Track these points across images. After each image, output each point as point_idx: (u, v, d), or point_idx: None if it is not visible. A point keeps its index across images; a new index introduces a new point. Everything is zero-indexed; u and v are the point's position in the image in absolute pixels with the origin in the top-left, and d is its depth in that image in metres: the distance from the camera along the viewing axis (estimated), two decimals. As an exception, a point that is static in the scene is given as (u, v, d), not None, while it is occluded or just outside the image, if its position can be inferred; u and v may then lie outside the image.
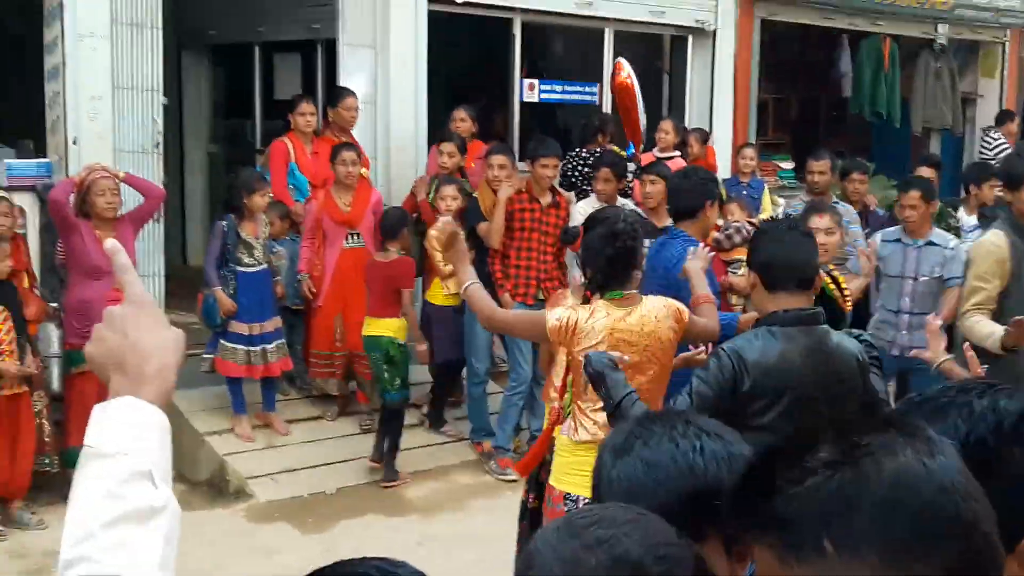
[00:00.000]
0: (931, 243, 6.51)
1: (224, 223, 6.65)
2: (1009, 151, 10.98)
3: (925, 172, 7.87)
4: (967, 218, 7.88)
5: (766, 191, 9.02)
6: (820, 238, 5.40)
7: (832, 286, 5.26)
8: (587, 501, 3.97)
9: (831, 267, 5.54)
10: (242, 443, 6.70)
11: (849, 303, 5.30)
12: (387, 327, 6.60)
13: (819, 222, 5.47)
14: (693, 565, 1.25)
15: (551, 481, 4.13)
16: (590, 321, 3.94)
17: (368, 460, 6.69)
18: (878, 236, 7.07)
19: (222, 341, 6.65)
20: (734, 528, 1.08)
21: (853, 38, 11.21)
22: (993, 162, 10.95)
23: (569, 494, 4.03)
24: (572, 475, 3.98)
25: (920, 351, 4.26)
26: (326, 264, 7.03)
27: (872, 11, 10.66)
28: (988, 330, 4.70)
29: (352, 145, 7.15)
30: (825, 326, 3.43)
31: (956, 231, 7.43)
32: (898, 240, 6.60)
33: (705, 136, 9.08)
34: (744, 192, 8.34)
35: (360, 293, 6.83)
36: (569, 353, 4.05)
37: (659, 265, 4.98)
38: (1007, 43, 11.88)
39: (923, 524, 0.98)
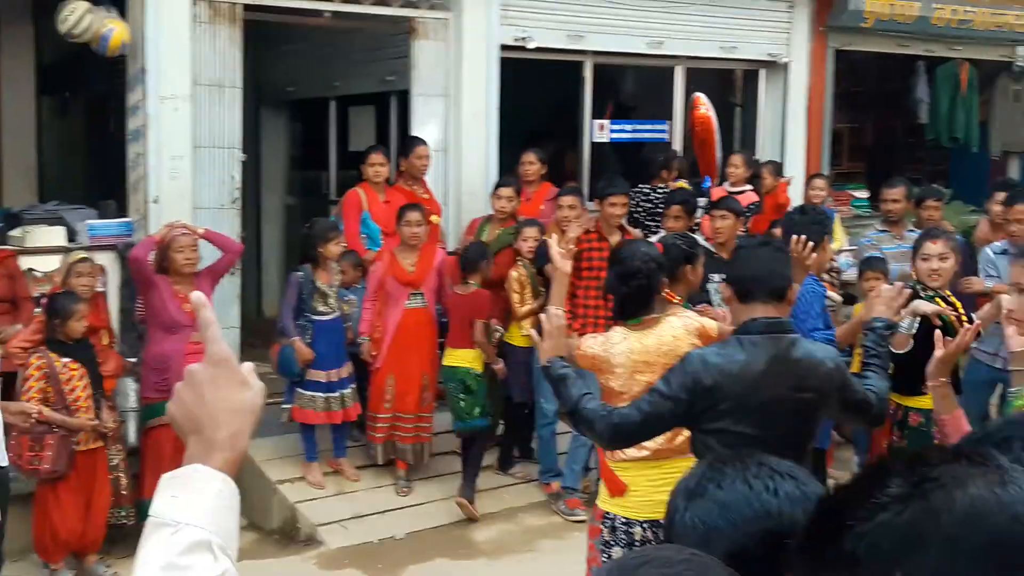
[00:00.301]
0: None
1: (300, 273, 6.82)
2: None
3: (1000, 197, 7.73)
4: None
5: (837, 220, 8.93)
6: (934, 264, 5.44)
7: (949, 312, 5.24)
8: (623, 520, 4.14)
9: (946, 293, 5.50)
10: (313, 490, 6.80)
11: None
12: (463, 357, 6.85)
13: (932, 248, 5.50)
14: None
15: (596, 501, 4.29)
16: (610, 348, 4.17)
17: (455, 498, 6.75)
18: (988, 249, 7.01)
19: (299, 390, 6.79)
20: (804, 570, 1.07)
21: (930, 64, 11.06)
22: None
23: (608, 513, 4.18)
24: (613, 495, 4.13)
25: None
26: (387, 324, 6.95)
27: (949, 36, 10.53)
28: None
29: (418, 205, 7.14)
30: (794, 336, 3.52)
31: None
32: (1005, 251, 6.55)
33: (778, 168, 9.03)
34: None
35: (419, 354, 6.90)
36: (601, 381, 4.26)
37: None
38: (1090, 61, 11.59)
39: (997, 556, 0.97)
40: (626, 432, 3.55)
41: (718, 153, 9.21)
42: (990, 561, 0.97)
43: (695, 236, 6.19)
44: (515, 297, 7.12)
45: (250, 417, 1.33)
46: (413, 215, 6.91)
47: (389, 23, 8.29)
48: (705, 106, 9.27)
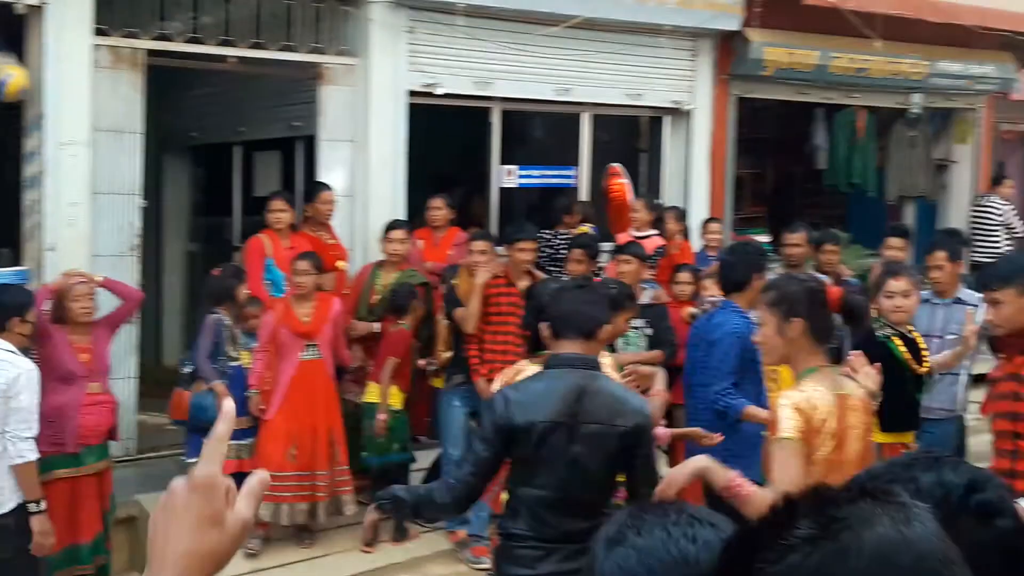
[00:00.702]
0: (959, 300, 6.58)
1: (216, 316, 6.71)
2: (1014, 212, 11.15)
3: (895, 243, 7.95)
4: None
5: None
6: (897, 300, 5.55)
7: (903, 348, 5.35)
8: None
9: (909, 329, 5.61)
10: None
11: (925, 366, 5.39)
12: (381, 394, 6.95)
13: (895, 285, 5.65)
14: None
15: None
16: (518, 378, 4.17)
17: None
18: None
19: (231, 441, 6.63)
20: None
21: (828, 111, 11.37)
22: (1004, 227, 11.10)
23: None
24: None
25: None
26: (280, 377, 6.69)
27: (846, 84, 10.84)
28: None
29: (310, 254, 6.91)
30: (595, 372, 3.73)
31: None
32: (926, 300, 6.62)
33: (681, 214, 9.18)
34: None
35: (320, 408, 6.72)
36: None
37: (702, 334, 5.34)
38: (980, 109, 12.05)
39: None
40: (465, 490, 3.69)
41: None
42: None
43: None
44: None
45: (208, 565, 1.20)
46: (302, 264, 6.71)
47: (296, 68, 8.25)
48: (620, 176, 9.40)
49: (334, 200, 7.79)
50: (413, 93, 8.42)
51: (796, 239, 7.86)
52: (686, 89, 10.07)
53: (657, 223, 8.82)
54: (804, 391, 3.56)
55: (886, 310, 5.62)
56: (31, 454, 5.12)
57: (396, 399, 7.00)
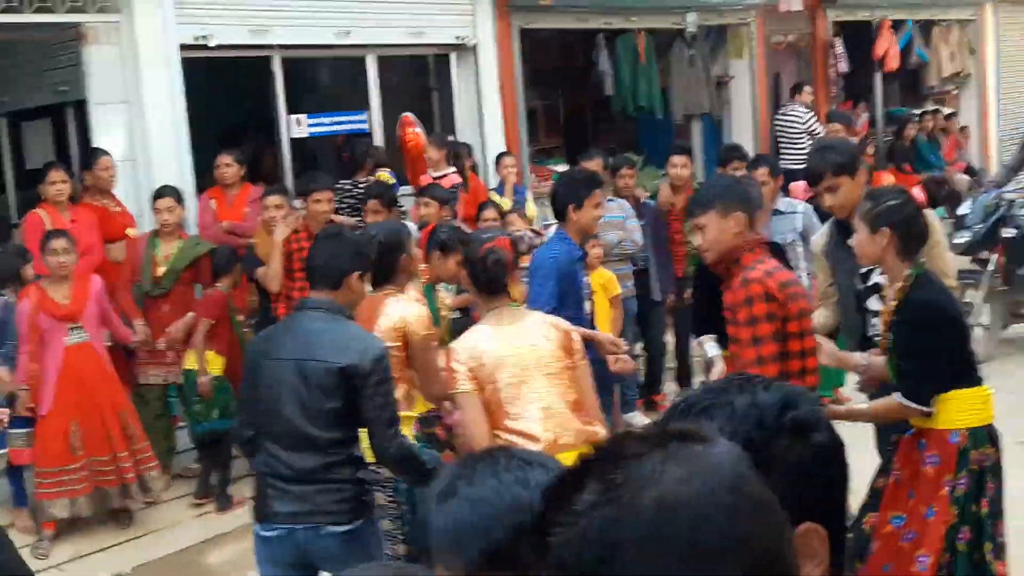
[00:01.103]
0: (777, 211, 6.87)
1: (1, 299, 6.27)
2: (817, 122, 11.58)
3: (677, 160, 8.15)
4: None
5: (529, 197, 9.18)
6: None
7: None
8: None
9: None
10: (28, 537, 6.24)
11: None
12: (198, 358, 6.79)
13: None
14: None
15: None
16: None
17: (193, 498, 6.78)
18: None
19: (12, 430, 6.26)
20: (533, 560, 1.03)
21: (609, 37, 11.51)
22: (810, 134, 11.51)
23: None
24: None
25: None
26: (46, 368, 6.26)
27: (624, 8, 10.98)
28: (820, 321, 4.70)
29: (63, 232, 6.41)
30: (316, 312, 3.88)
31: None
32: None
33: (469, 149, 9.18)
34: (514, 200, 8.44)
35: (99, 391, 6.35)
36: None
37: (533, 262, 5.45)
38: (753, 23, 12.43)
39: (691, 554, 0.95)
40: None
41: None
42: (684, 561, 0.95)
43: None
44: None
45: None
46: (58, 243, 6.21)
47: (56, 30, 7.73)
48: (414, 125, 9.24)
49: (113, 166, 7.38)
50: (185, 47, 8.01)
51: (592, 165, 7.95)
52: (469, 24, 9.98)
53: (456, 160, 8.78)
54: (464, 339, 3.91)
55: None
56: None
57: (215, 364, 6.81)
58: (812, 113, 11.94)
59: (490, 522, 1.57)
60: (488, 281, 3.96)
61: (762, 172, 7.01)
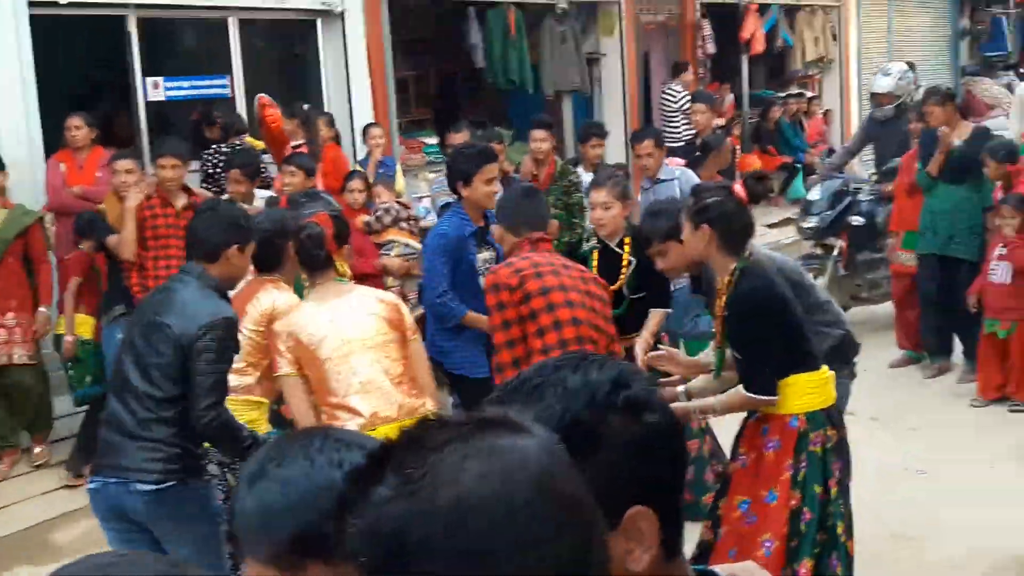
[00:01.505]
0: (659, 180, 7.17)
1: None
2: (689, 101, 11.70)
3: (538, 135, 8.12)
4: (585, 175, 8.23)
5: (398, 169, 9.05)
6: (598, 213, 5.45)
7: (596, 263, 5.30)
8: None
9: (625, 241, 5.40)
10: None
11: (619, 282, 5.30)
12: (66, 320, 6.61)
13: (596, 196, 5.46)
14: None
15: None
16: None
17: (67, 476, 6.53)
18: None
19: None
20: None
21: (480, 9, 11.39)
22: (683, 113, 11.64)
23: None
24: None
25: None
26: None
27: (495, -19, 10.88)
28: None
29: None
30: (187, 278, 3.93)
31: (576, 187, 7.78)
32: (644, 188, 7.32)
33: (331, 119, 8.98)
34: (381, 171, 8.30)
35: None
36: None
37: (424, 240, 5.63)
38: (622, 2, 12.48)
39: (484, 554, 0.92)
40: None
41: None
42: (484, 561, 0.92)
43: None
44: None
45: None
46: None
47: None
48: (272, 105, 8.94)
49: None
50: (34, 3, 7.59)
51: (459, 139, 7.91)
52: (337, -10, 9.74)
53: (306, 126, 8.52)
54: (284, 319, 3.92)
55: (592, 220, 5.56)
56: None
57: (85, 327, 6.60)
58: (687, 94, 12.08)
59: (299, 505, 1.49)
60: (306, 257, 3.98)
61: (647, 144, 7.13)
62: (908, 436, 6.75)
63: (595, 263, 5.35)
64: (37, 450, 6.82)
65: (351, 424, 3.79)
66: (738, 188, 4.96)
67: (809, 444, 3.86)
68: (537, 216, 4.58)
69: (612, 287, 5.14)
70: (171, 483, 3.82)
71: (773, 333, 3.86)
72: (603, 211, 5.40)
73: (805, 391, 3.89)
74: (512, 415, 1.05)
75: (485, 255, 5.38)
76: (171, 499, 3.83)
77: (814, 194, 9.25)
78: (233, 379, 4.17)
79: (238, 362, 4.23)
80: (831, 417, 3.98)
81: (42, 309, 6.63)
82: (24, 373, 6.61)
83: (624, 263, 5.35)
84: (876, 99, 9.36)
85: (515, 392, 1.30)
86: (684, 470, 1.36)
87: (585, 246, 5.60)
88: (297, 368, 3.79)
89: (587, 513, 0.99)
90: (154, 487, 3.80)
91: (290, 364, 3.76)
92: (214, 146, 8.13)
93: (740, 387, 3.90)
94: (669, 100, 12.27)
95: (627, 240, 5.39)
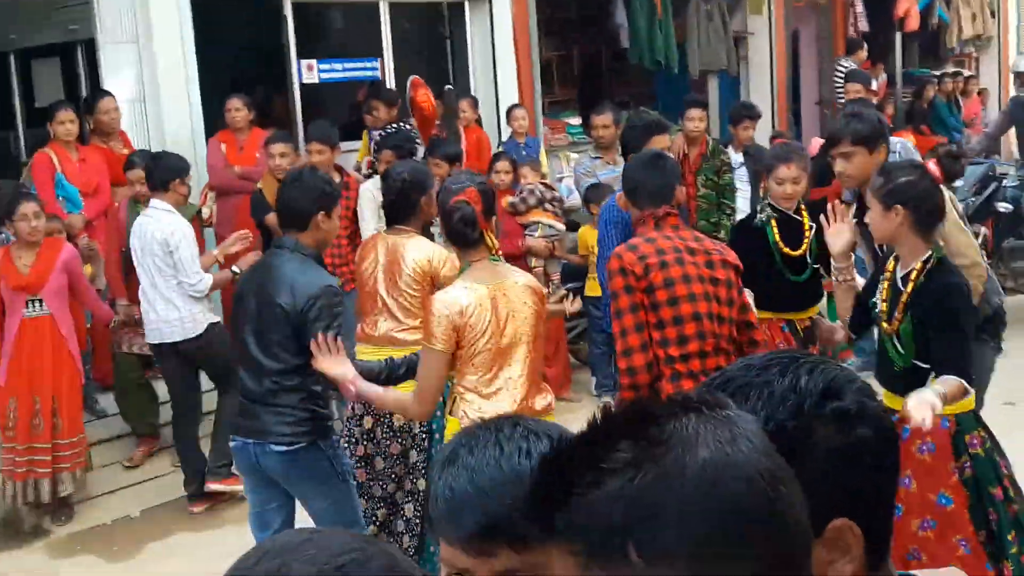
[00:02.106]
0: None
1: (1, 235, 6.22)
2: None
3: (694, 114, 8.05)
4: (735, 155, 8.14)
5: (542, 150, 9.09)
6: (787, 188, 5.28)
7: (777, 233, 5.25)
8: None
9: (800, 209, 5.36)
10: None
11: (801, 249, 5.23)
12: None
13: (786, 172, 5.29)
14: (384, 564, 1.10)
15: None
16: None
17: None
18: None
19: None
20: (538, 535, 0.98)
21: (627, -11, 11.33)
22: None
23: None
24: None
25: None
26: (6, 338, 5.93)
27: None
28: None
29: (33, 196, 6.06)
30: (282, 251, 4.19)
31: (728, 167, 7.70)
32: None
33: (475, 102, 9.10)
34: (524, 153, 8.35)
35: (45, 374, 5.90)
36: None
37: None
38: (772, -21, 12.25)
39: (732, 522, 0.91)
40: None
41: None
42: (725, 529, 0.91)
43: None
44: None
45: None
46: (28, 207, 5.80)
47: (66, -33, 7.65)
48: (422, 88, 9.12)
49: (116, 108, 7.31)
50: (196, -11, 7.92)
51: (603, 120, 7.86)
52: (483, -28, 9.84)
53: (446, 111, 8.67)
54: (448, 294, 3.80)
55: (776, 196, 5.37)
56: (204, 286, 5.96)
57: None
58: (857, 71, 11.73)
59: (487, 493, 1.51)
60: (458, 237, 3.86)
61: None
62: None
63: (776, 232, 5.25)
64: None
65: (485, 409, 3.74)
66: (932, 167, 4.64)
67: (968, 447, 3.75)
68: (663, 187, 4.15)
69: (795, 252, 5.17)
70: (301, 444, 4.13)
71: (969, 328, 3.77)
72: (793, 186, 5.27)
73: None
74: (723, 398, 1.04)
75: None
76: (303, 459, 4.15)
77: (959, 180, 8.95)
78: (410, 336, 4.64)
79: (409, 319, 4.70)
80: (979, 419, 3.88)
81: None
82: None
83: (806, 228, 5.27)
84: (1021, 79, 8.95)
85: (720, 389, 1.26)
86: (895, 482, 1.30)
87: (760, 216, 5.43)
88: (454, 346, 3.75)
89: (802, 498, 0.98)
90: (286, 448, 4.13)
91: (445, 343, 3.75)
92: (393, 125, 8.33)
93: (951, 378, 3.65)
94: (838, 76, 11.95)
95: (803, 207, 5.35)
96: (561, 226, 7.66)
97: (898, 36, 13.92)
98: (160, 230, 5.89)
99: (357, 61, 9.50)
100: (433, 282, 4.67)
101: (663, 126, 5.44)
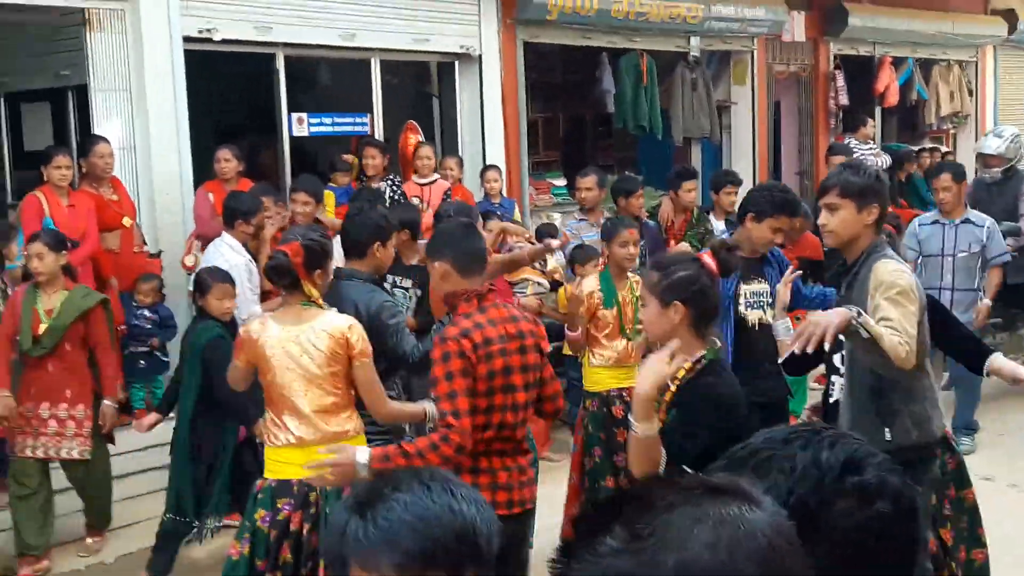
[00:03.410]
0: (967, 220, 7.09)
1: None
2: (873, 153, 11.56)
3: (689, 185, 8.18)
4: (716, 223, 8.20)
5: (516, 210, 9.19)
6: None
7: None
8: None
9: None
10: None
11: None
12: None
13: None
14: None
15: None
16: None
17: None
18: (915, 221, 7.46)
19: None
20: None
21: (613, 55, 11.54)
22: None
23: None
24: None
25: None
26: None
27: (627, 28, 11.01)
28: None
29: (40, 233, 6.13)
30: (346, 280, 4.75)
31: (710, 233, 7.77)
32: (936, 222, 7.19)
33: (460, 161, 9.24)
34: (498, 212, 8.43)
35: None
36: None
37: None
38: (755, 51, 12.50)
39: None
40: None
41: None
42: None
43: None
44: None
45: None
46: (36, 246, 5.88)
47: (60, 14, 7.70)
48: (417, 133, 9.26)
49: (110, 154, 7.35)
50: (189, 39, 8.00)
51: (587, 183, 7.97)
52: (473, 34, 9.99)
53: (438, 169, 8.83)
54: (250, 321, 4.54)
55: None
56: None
57: None
58: (870, 147, 11.91)
59: (427, 523, 1.58)
60: (275, 277, 4.36)
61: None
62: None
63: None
64: (89, 541, 6.32)
65: (281, 437, 4.25)
66: (707, 259, 4.36)
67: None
68: (481, 252, 4.00)
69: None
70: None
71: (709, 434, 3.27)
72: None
73: None
74: (744, 484, 1.05)
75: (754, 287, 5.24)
76: None
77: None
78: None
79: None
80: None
81: (106, 402, 5.97)
82: (77, 469, 6.04)
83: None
84: (984, 160, 9.07)
85: (743, 462, 1.28)
86: (917, 553, 1.29)
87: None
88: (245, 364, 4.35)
89: None
90: None
91: (242, 362, 4.37)
92: (390, 177, 8.47)
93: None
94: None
95: None
96: (547, 283, 7.74)
97: (878, 111, 14.17)
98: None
99: (347, 116, 9.60)
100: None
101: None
